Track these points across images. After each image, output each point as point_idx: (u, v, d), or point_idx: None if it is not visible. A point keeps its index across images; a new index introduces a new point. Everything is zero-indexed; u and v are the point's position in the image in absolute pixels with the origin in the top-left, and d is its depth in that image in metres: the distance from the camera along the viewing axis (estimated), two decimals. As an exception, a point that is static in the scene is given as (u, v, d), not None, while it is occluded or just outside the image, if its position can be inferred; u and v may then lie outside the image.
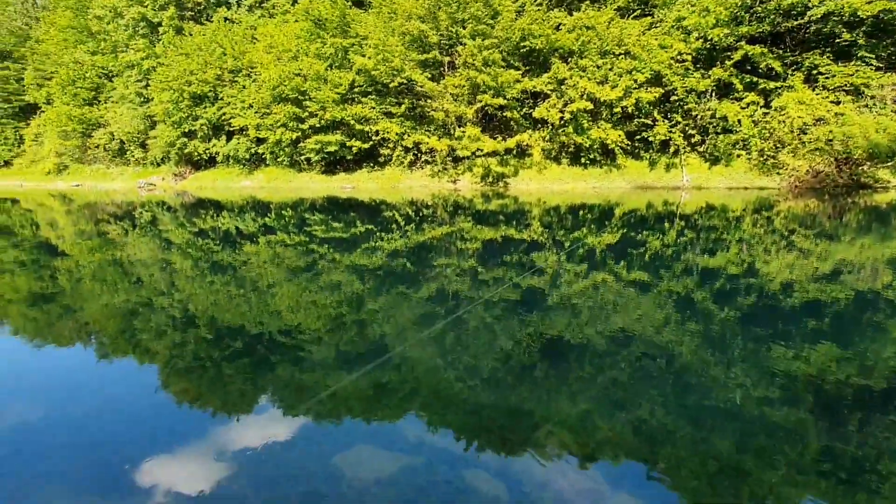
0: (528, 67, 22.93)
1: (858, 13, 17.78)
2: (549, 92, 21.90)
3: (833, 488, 2.33)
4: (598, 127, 21.04)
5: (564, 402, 3.15)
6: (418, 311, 5.17)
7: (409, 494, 2.22)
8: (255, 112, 26.64)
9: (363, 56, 23.81)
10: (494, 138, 22.68)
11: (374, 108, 24.21)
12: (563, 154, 22.58)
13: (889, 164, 17.44)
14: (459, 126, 23.20)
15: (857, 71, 18.69)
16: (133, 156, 34.89)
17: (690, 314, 4.99)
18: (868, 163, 17.55)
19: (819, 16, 18.60)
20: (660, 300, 5.41)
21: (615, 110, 20.75)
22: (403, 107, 23.79)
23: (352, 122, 24.04)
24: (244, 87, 27.98)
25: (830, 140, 17.51)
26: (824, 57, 19.37)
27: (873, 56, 18.86)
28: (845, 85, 18.74)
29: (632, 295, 5.63)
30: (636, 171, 21.68)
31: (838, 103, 18.35)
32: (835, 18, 18.60)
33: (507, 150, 22.47)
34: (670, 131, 20.80)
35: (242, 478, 2.35)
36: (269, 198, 20.65)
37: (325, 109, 24.35)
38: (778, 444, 2.68)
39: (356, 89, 24.78)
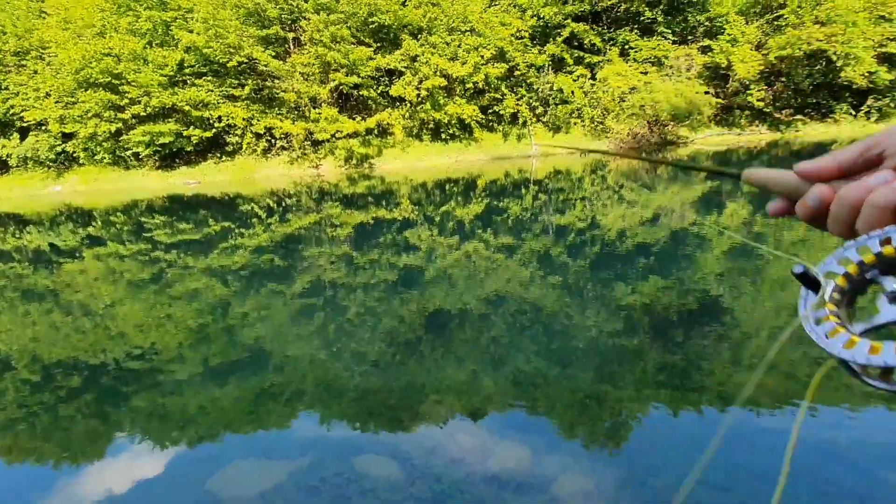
0: (379, 44, 22.54)
1: (656, -7, 21.05)
2: (403, 69, 21.91)
3: (669, 393, 2.82)
4: (454, 103, 21.79)
5: (450, 369, 3.28)
6: (294, 307, 4.89)
7: (296, 498, 2.12)
8: (56, 102, 21.92)
9: (190, 32, 20.98)
10: (353, 119, 22.06)
11: (212, 91, 21.60)
12: (424, 131, 22.96)
13: (686, 122, 21.19)
14: (314, 107, 22.03)
15: (658, 45, 22.18)
16: None
17: (550, 269, 5.53)
18: (672, 123, 21.10)
19: (625, -4, 21.54)
20: (524, 260, 5.90)
21: (467, 86, 21.68)
22: (248, 88, 21.68)
23: (187, 108, 21.17)
24: (36, 71, 22.76)
25: (643, 106, 20.62)
26: (633, 33, 22.58)
27: (670, 31, 22.56)
28: (650, 58, 22.13)
29: (500, 259, 6.03)
30: (492, 143, 23.08)
31: (646, 73, 21.62)
32: (638, -1, 21.75)
33: (369, 131, 22.06)
34: (517, 104, 22.48)
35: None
36: (91, 204, 17.45)
37: (150, 95, 21.03)
38: (625, 367, 3.14)
39: (187, 70, 21.81)
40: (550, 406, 2.80)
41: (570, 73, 22.69)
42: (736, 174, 0.48)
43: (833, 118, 22.30)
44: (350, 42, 21.44)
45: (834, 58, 20.24)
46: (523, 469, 2.22)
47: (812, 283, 0.38)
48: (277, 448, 2.52)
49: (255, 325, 4.42)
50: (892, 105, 21.83)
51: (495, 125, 23.44)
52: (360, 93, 22.29)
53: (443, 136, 22.79)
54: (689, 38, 23.13)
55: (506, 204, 10.23)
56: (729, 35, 21.65)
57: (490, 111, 22.88)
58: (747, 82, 21.49)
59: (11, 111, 23.12)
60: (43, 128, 22.85)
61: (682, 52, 22.18)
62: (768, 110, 22.38)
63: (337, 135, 21.53)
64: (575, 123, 22.84)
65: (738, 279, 4.66)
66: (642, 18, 22.43)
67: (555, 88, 22.54)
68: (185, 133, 21.64)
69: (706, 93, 20.83)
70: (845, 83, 20.96)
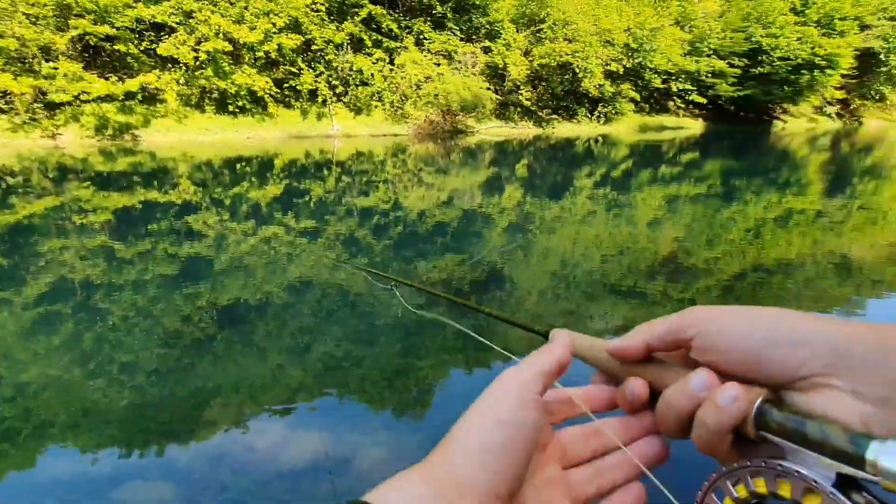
0: (139, -10, 18.55)
1: (444, -10, 22.57)
2: (174, 25, 18.55)
3: (466, 356, 3.15)
4: (243, 72, 19.54)
5: (252, 366, 3.01)
6: (28, 318, 3.76)
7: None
8: None
9: None
10: (106, 78, 17.76)
11: None
12: (207, 101, 20.02)
13: (473, 113, 23.64)
14: (48, 60, 16.95)
15: (448, 39, 23.94)
16: None
17: (355, 251, 5.54)
18: (462, 113, 23.25)
19: (418, -13, 22.53)
20: (329, 243, 5.76)
21: (258, 54, 19.66)
22: (-75, 21, 15.37)
23: None
24: None
25: (437, 95, 22.13)
26: (426, 25, 23.85)
27: (458, 28, 24.55)
28: (442, 50, 23.77)
29: (303, 244, 5.76)
30: (289, 120, 21.61)
31: (439, 65, 23.18)
32: (428, -9, 23.00)
33: (129, 95, 18.05)
34: (316, 81, 21.51)
35: None
36: None
37: None
38: (427, 338, 3.38)
39: None
40: (360, 386, 2.82)
41: (370, 55, 22.75)
42: (544, 333, 0.45)
43: (577, 119, 27.83)
44: (98, -19, 17.13)
45: (577, 70, 25.15)
46: (328, 454, 2.19)
47: None
48: (15, 495, 1.92)
49: (-42, 349, 3.24)
50: (612, 112, 28.39)
51: (293, 101, 22.01)
52: (116, 47, 18.12)
53: (231, 108, 20.31)
54: (474, 37, 25.66)
55: (308, 185, 9.79)
56: (504, 40, 24.82)
57: (286, 86, 21.34)
58: (518, 83, 25.07)
59: None
60: None
61: (469, 49, 24.51)
62: (533, 109, 26.60)
63: (83, 97, 17.13)
64: (376, 106, 23.12)
65: (515, 250, 5.46)
66: (434, 12, 23.88)
67: (354, 69, 22.31)
68: None
69: (488, 88, 23.54)
70: (584, 91, 26.33)
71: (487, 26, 25.44)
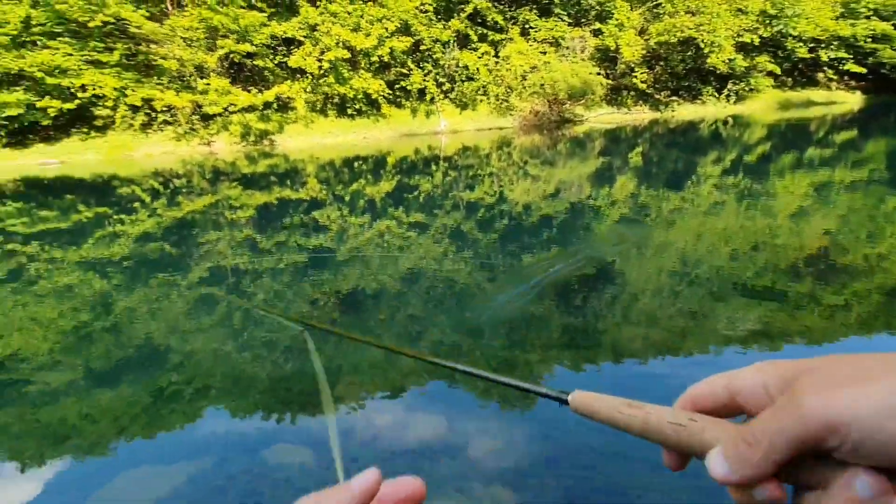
0: (274, 10, 20.82)
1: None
2: (302, 38, 20.53)
3: (571, 355, 3.06)
4: (360, 76, 20.98)
5: (367, 350, 3.24)
6: (191, 298, 4.48)
7: (199, 501, 1.98)
8: None
9: (37, -17, 17.67)
10: (248, 91, 20.31)
11: (70, 55, 18.51)
12: (329, 106, 21.89)
13: (582, 101, 22.61)
14: (202, 77, 19.90)
15: (555, 25, 23.20)
16: None
17: (462, 243, 5.65)
18: (569, 101, 22.37)
19: (523, -24, 22.13)
20: (437, 236, 5.96)
21: (372, 59, 20.95)
22: (117, 53, 18.89)
23: (38, 74, 17.95)
24: None
25: (543, 84, 21.56)
26: (532, 13, 23.36)
27: (565, 13, 23.68)
28: (549, 38, 23.10)
29: (413, 236, 6.03)
30: (400, 119, 22.70)
31: (545, 53, 22.56)
32: (536, -20, 22.48)
33: (267, 104, 20.47)
34: (424, 80, 22.29)
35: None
36: (-82, 189, 14.32)
37: (-11, 57, 17.57)
38: (533, 332, 3.34)
39: (36, 29, 18.43)
40: (465, 378, 2.89)
41: (475, 49, 22.93)
42: (564, 399, 0.40)
43: (701, 100, 25.15)
44: (239, 5, 19.57)
45: (702, 45, 22.69)
46: (441, 439, 2.28)
47: None
48: (177, 451, 2.32)
49: (145, 321, 3.98)
50: (746, 89, 25.15)
51: (403, 101, 23.06)
52: (255, 62, 20.58)
53: (349, 111, 21.92)
54: (583, 20, 24.48)
55: (417, 181, 10.20)
56: (616, 20, 23.28)
57: (397, 86, 22.42)
58: (632, 65, 23.37)
59: None
60: None
61: (577, 33, 23.45)
62: (650, 91, 24.60)
63: (230, 108, 19.74)
64: (481, 100, 23.26)
65: (627, 245, 5.13)
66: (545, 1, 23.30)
67: (460, 65, 22.66)
68: (38, 104, 18.39)
69: (598, 73, 22.32)
70: (710, 68, 23.67)
71: (598, 7, 24.08)
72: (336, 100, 21.76)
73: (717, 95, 25.18)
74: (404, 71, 22.23)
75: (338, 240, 6.04)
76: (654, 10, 23.76)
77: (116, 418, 2.67)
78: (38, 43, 18.62)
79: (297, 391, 2.81)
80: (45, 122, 19.01)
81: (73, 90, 18.68)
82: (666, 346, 3.06)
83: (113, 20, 18.67)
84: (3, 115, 18.08)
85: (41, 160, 18.61)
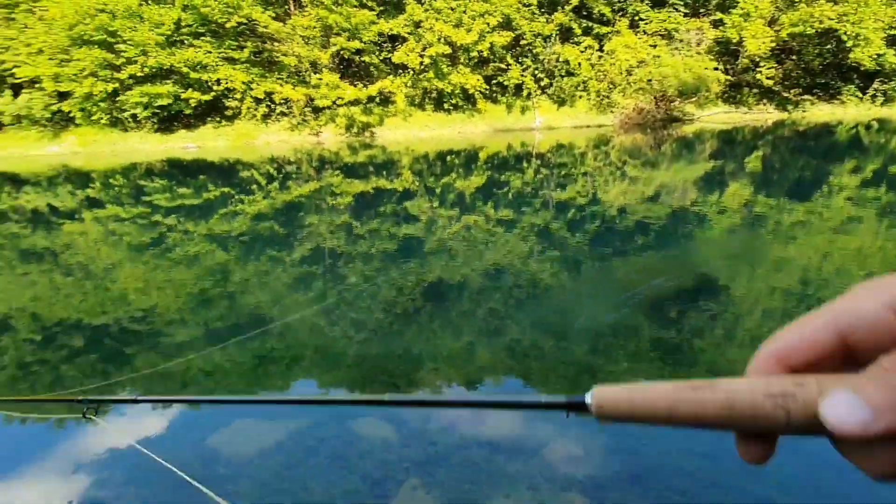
0: (382, 8, 21.86)
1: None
2: (406, 35, 21.34)
3: (662, 368, 2.89)
4: (458, 72, 21.31)
5: (447, 339, 3.34)
6: (294, 274, 4.92)
7: (296, 456, 2.19)
8: (49, 59, 21.37)
9: (187, -11, 20.29)
10: (355, 85, 21.61)
11: (210, 52, 21.07)
12: (427, 100, 22.54)
13: (693, 99, 20.83)
14: (315, 73, 21.55)
15: (669, 17, 21.55)
16: None
17: (549, 243, 5.55)
18: (679, 99, 20.73)
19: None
20: (523, 234, 5.91)
21: (472, 54, 21.15)
22: (247, 51, 21.15)
23: (184, 69, 20.69)
24: (27, 26, 22.08)
25: (650, 80, 20.20)
26: (644, 3, 21.88)
27: (681, 3, 21.87)
28: (660, 30, 21.52)
29: (500, 232, 6.04)
30: (495, 114, 22.68)
31: (655, 46, 21.08)
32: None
33: (370, 98, 21.65)
34: (522, 75, 22.00)
35: (106, 480, 2.09)
36: (90, 165, 17.27)
37: (147, 54, 20.53)
38: (621, 340, 3.20)
39: (184, 30, 21.21)
40: (544, 376, 2.87)
41: (578, 43, 22.10)
42: (579, 403, 0.30)
43: (840, 99, 21.93)
44: (353, 5, 20.79)
45: (844, 38, 19.74)
46: (515, 436, 2.30)
47: None
48: (277, 409, 2.59)
49: (254, 291, 4.46)
50: (898, 88, 21.49)
51: (499, 96, 22.98)
52: (362, 59, 21.77)
53: (446, 106, 22.37)
54: (702, 10, 22.47)
55: (507, 177, 10.16)
56: (742, 9, 21.00)
57: (494, 82, 22.39)
58: (757, 59, 21.01)
59: (2, 66, 22.52)
60: (36, 85, 22.32)
61: (694, 25, 21.59)
62: (777, 89, 21.97)
63: (338, 102, 21.12)
64: (580, 97, 22.41)
65: (735, 258, 4.68)
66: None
67: (561, 60, 21.98)
68: (183, 95, 21.19)
69: (715, 69, 20.40)
70: (853, 64, 20.53)
71: (721, -4, 21.92)
72: (434, 94, 22.30)
73: (860, 95, 21.81)
74: (502, 66, 22.12)
75: (426, 230, 6.24)
76: (790, -2, 21.10)
77: (227, 373, 3.05)
78: (185, 42, 21.38)
79: (384, 369, 2.99)
80: (187, 112, 21.90)
81: (210, 83, 21.28)
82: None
83: (245, 21, 20.85)
84: (156, 104, 21.13)
85: (183, 144, 21.49)
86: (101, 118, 22.17)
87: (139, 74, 20.89)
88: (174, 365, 3.17)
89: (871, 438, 0.22)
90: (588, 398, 0.28)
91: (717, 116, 21.40)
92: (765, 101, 22.31)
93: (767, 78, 21.24)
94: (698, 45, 21.26)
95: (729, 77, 21.44)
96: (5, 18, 22.90)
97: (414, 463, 2.11)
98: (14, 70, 22.02)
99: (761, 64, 21.16)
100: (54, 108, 22.60)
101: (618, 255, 4.97)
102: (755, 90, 22.24)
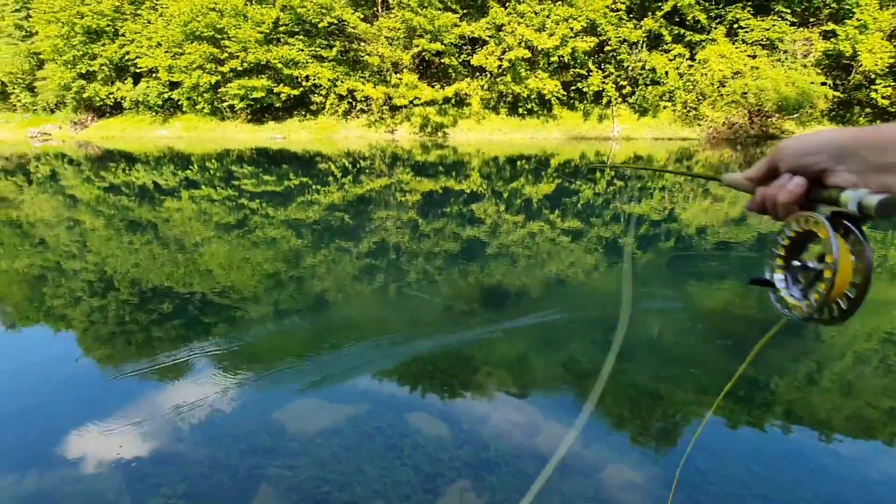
0: (465, 11, 22.11)
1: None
2: (487, 38, 21.41)
3: (732, 405, 2.69)
4: (536, 76, 21.04)
5: (502, 346, 3.33)
6: (359, 265, 5.12)
7: (352, 440, 2.29)
8: (165, 52, 23.85)
9: (287, -10, 21.77)
10: (432, 86, 22.04)
11: (302, 50, 22.45)
12: (502, 104, 22.47)
13: (795, 115, 19.05)
14: (395, 73, 22.25)
15: (773, 25, 19.81)
16: (20, 100, 30.34)
17: (617, 258, 5.34)
18: (777, 115, 19.06)
19: (742, -31, 19.32)
20: (590, 247, 5.73)
21: (552, 59, 20.77)
22: (335, 50, 22.30)
23: (279, 65, 22.23)
24: (149, 21, 24.78)
25: (745, 93, 18.73)
26: (745, 11, 20.29)
27: (789, 11, 20.02)
28: (762, 39, 19.85)
29: (565, 242, 5.90)
30: (571, 121, 22.13)
31: (754, 57, 19.50)
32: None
33: (446, 99, 21.98)
34: (603, 82, 21.23)
35: (181, 440, 2.30)
36: (190, 149, 19.04)
37: (247, 50, 22.27)
38: (689, 370, 3.01)
39: (281, 28, 22.78)
40: (602, 397, 2.77)
41: (667, 51, 20.96)
42: (717, 178, 0.65)
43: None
44: (437, 7, 21.19)
45: None
46: (570, 453, 2.25)
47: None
48: (337, 394, 2.72)
49: (322, 278, 4.70)
50: None
51: (577, 103, 22.38)
52: (442, 60, 22.12)
53: (520, 110, 22.16)
54: (811, 20, 20.46)
55: (578, 186, 9.90)
56: (858, 20, 18.81)
57: (573, 87, 21.84)
58: (873, 76, 18.79)
59: (127, 57, 25.44)
60: (153, 75, 25.01)
61: (801, 35, 19.71)
62: (893, 110, 19.54)
63: (415, 101, 21.64)
64: (665, 107, 21.25)
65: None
66: (761, -6, 20.05)
67: (647, 67, 20.94)
68: (275, 90, 22.77)
69: (823, 84, 18.52)
70: None
71: (834, 5, 19.79)
72: (509, 98, 22.18)
73: None
74: (583, 72, 21.51)
75: (490, 234, 6.24)
76: (921, 7, 18.63)
77: (293, 353, 3.24)
78: (281, 40, 22.93)
79: (440, 368, 3.04)
80: (277, 105, 23.53)
81: (299, 79, 22.68)
82: (853, 432, 2.49)
83: (336, 21, 21.97)
84: (251, 96, 22.87)
85: (272, 135, 23.08)
86: (204, 107, 24.42)
87: (239, 69, 22.70)
88: (247, 337, 3.42)
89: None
90: (722, 178, 0.67)
91: (820, 136, 19.41)
92: (878, 122, 19.85)
93: (883, 97, 18.93)
94: (805, 56, 19.41)
95: (838, 94, 19.37)
96: (132, 14, 25.85)
97: (465, 464, 2.13)
98: (136, 61, 24.82)
99: (877, 81, 18.89)
100: (166, 95, 25.23)
101: (693, 277, 4.69)
102: (868, 110, 19.92)
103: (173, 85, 24.63)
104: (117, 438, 2.29)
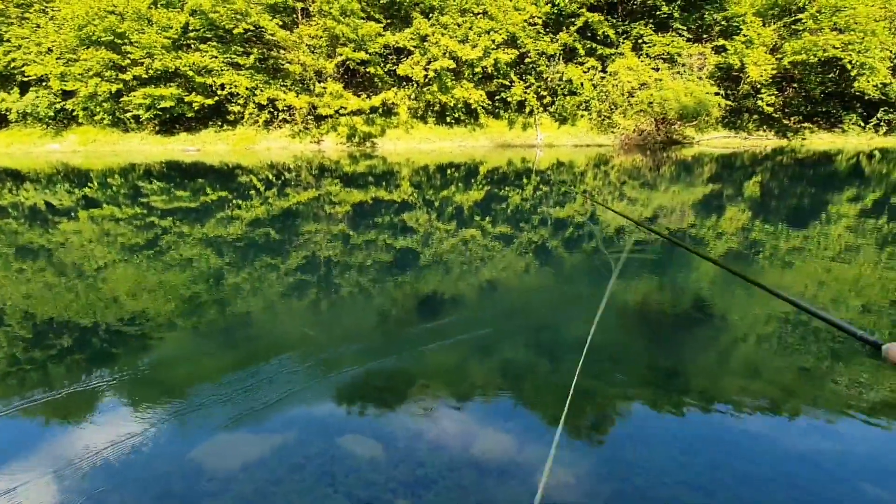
0: (389, 21, 22.12)
1: (673, -12, 20.64)
2: (412, 48, 21.55)
3: (655, 394, 2.84)
4: (461, 86, 21.50)
5: (439, 355, 3.28)
6: (287, 282, 4.87)
7: (280, 473, 2.12)
8: (58, 58, 21.49)
9: (197, -6, 20.51)
10: (358, 96, 21.75)
11: (216, 57, 21.19)
12: (430, 113, 22.69)
13: (694, 122, 21.04)
14: (320, 82, 21.70)
15: (672, 41, 21.81)
16: None
17: (546, 261, 5.52)
18: (679, 122, 20.94)
19: (643, -11, 21.15)
20: (520, 250, 5.88)
21: (476, 70, 21.35)
22: (252, 57, 21.30)
23: (190, 73, 20.80)
24: (38, 26, 22.25)
25: (651, 102, 20.41)
26: (648, 27, 22.18)
27: (685, 28, 22.17)
28: (663, 53, 21.78)
29: (497, 247, 6.01)
30: (497, 130, 22.83)
31: (657, 70, 21.32)
32: (655, -8, 21.33)
33: (373, 109, 21.77)
34: (525, 92, 22.20)
35: (83, 489, 2.01)
36: (88, 164, 17.25)
37: (153, 57, 20.64)
38: (614, 365, 3.15)
39: (191, 34, 21.37)
40: (536, 397, 2.81)
41: (581, 63, 22.34)
42: (878, 344, 0.52)
43: (841, 128, 22.18)
44: (360, 17, 21.01)
45: (849, 66, 20.02)
46: (507, 457, 2.24)
47: None
48: (262, 424, 2.52)
49: (247, 298, 4.40)
50: (901, 119, 21.74)
51: (501, 112, 23.16)
52: (367, 70, 21.92)
53: (448, 119, 22.51)
54: (704, 36, 22.79)
55: (506, 192, 10.17)
56: (745, 36, 21.31)
57: (497, 97, 22.58)
58: (759, 86, 21.28)
59: (13, 65, 22.61)
60: (43, 84, 22.41)
61: (696, 50, 21.88)
62: (777, 116, 22.21)
63: (341, 111, 21.22)
64: (582, 116, 22.60)
65: (731, 285, 4.66)
66: (658, 13, 22.02)
67: (564, 79, 22.20)
68: (186, 99, 21.27)
69: (716, 94, 20.63)
70: (857, 93, 20.80)
71: (724, 23, 22.23)
72: (437, 108, 22.45)
73: (862, 124, 22.07)
74: (506, 82, 22.31)
75: (423, 243, 6.20)
76: (792, 27, 21.41)
77: (214, 383, 2.98)
78: (192, 46, 21.52)
79: (374, 385, 2.93)
80: (189, 115, 21.98)
81: (214, 88, 21.37)
82: (760, 406, 2.72)
83: (252, 28, 21.02)
84: (159, 106, 21.18)
85: (184, 147, 21.50)
86: (104, 118, 22.21)
87: (144, 76, 20.97)
88: (160, 368, 3.10)
89: None
90: (883, 349, 0.49)
91: (716, 141, 21.60)
92: (765, 127, 22.54)
93: (768, 105, 21.48)
94: (700, 69, 21.53)
95: (730, 102, 21.67)
96: (19, 18, 23.08)
97: (401, 484, 2.05)
98: (24, 68, 22.11)
99: (762, 91, 21.42)
100: (58, 106, 22.67)
101: (621, 278, 4.95)
102: (755, 116, 22.48)
103: (67, 94, 22.20)
104: (3, 485, 1.96)
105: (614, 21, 22.61)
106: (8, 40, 22.64)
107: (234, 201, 9.37)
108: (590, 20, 21.77)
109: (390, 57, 22.45)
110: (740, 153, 18.54)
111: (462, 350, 3.35)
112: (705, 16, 22.37)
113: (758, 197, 9.76)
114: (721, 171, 14.25)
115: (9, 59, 22.57)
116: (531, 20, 21.74)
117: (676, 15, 22.03)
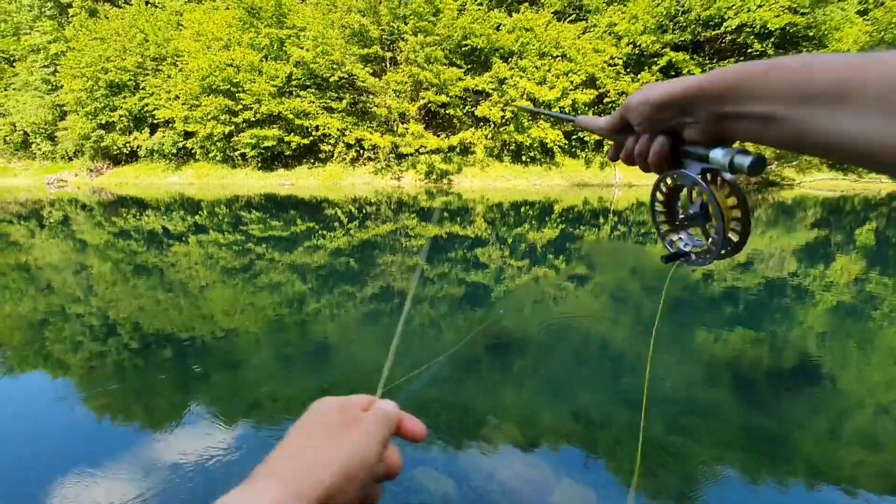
0: (469, 66, 23.19)
1: (768, 25, 19.62)
2: (490, 90, 22.33)
3: (752, 460, 2.55)
4: (538, 126, 21.75)
5: (508, 395, 3.22)
6: (363, 310, 5.08)
7: None
8: (183, 104, 24.96)
9: (301, 48, 22.99)
10: (438, 136, 22.75)
11: (313, 102, 23.42)
12: (505, 152, 23.09)
13: (794, 163, 19.41)
14: (402, 123, 23.06)
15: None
16: (39, 149, 31.48)
17: (623, 304, 5.27)
18: (776, 162, 19.43)
19: (734, 27, 20.33)
20: (595, 292, 5.67)
21: (553, 110, 21.58)
22: (345, 102, 23.25)
23: (290, 116, 23.14)
24: (169, 76, 26.10)
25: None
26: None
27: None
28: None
29: (570, 288, 5.86)
30: (573, 169, 22.62)
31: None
32: (748, 30, 20.41)
33: (451, 148, 22.62)
34: (604, 131, 21.91)
35: (172, 495, 2.19)
36: (200, 195, 19.46)
37: (261, 103, 23.26)
38: (703, 422, 2.89)
39: (294, 82, 23.89)
40: (612, 450, 2.65)
41: (665, 103, 21.71)
42: (571, 119, 0.68)
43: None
44: (443, 63, 22.23)
45: None
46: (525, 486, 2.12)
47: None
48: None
49: (325, 323, 4.65)
50: None
51: (578, 151, 22.97)
52: (447, 111, 22.95)
53: (523, 158, 22.73)
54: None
55: (582, 232, 9.95)
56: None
57: (574, 137, 22.48)
58: None
59: (146, 109, 26.62)
60: (170, 125, 26.05)
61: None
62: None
63: (421, 150, 22.27)
64: (665, 155, 21.75)
65: (843, 341, 4.14)
66: (750, 51, 21.00)
67: (646, 118, 21.66)
68: (286, 139, 23.58)
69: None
70: None
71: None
72: (513, 147, 22.80)
73: None
74: (585, 122, 22.19)
75: (494, 279, 6.21)
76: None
77: (291, 401, 3.15)
78: (293, 92, 23.97)
79: (444, 418, 2.93)
80: (287, 153, 24.31)
81: (310, 129, 23.54)
82: (879, 488, 2.35)
83: (346, 76, 23.03)
84: (263, 145, 23.67)
85: (280, 181, 23.65)
86: (217, 155, 25.23)
87: (252, 119, 23.63)
88: (246, 384, 3.34)
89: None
90: (575, 120, 0.71)
91: (821, 183, 19.69)
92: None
93: None
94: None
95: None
96: (154, 70, 27.26)
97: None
98: (155, 112, 25.95)
99: (876, 129, 19.35)
100: (180, 144, 26.16)
101: (701, 325, 4.60)
102: (869, 157, 20.27)
103: (188, 134, 25.59)
104: (106, 493, 2.19)
105: (701, 59, 21.88)
106: (144, 88, 26.73)
107: (319, 231, 10.05)
108: (673, 59, 21.25)
109: (470, 99, 23.36)
110: (850, 197, 16.69)
111: (530, 392, 3.27)
112: (802, 53, 20.92)
113: (873, 245, 8.67)
114: (827, 215, 12.90)
115: (143, 104, 26.60)
116: (611, 61, 21.69)
117: (770, 53, 20.87)
